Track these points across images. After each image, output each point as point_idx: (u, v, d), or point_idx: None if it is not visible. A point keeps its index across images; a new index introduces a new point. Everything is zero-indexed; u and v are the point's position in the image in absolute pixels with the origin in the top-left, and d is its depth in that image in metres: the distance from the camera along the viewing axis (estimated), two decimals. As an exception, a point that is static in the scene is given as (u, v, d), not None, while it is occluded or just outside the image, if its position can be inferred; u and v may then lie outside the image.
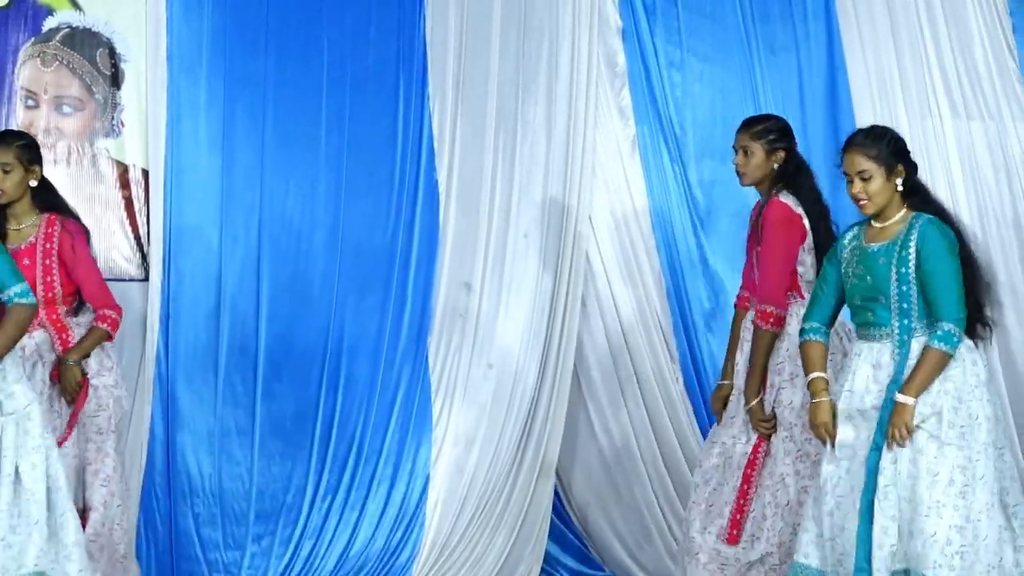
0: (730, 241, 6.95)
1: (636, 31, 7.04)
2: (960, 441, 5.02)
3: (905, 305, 5.11)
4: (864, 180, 5.14)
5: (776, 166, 5.79)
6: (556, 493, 7.00)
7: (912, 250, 5.09)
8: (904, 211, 5.19)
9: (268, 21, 6.72)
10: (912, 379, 5.03)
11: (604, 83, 7.01)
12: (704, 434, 6.88)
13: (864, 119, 6.95)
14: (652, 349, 6.98)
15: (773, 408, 5.70)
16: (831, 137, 6.95)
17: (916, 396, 5.01)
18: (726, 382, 5.90)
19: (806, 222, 5.73)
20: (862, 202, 5.16)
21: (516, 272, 6.85)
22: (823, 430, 5.20)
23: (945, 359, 5.03)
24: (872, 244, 5.19)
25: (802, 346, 5.36)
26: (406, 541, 6.69)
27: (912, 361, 5.08)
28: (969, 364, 5.11)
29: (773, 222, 5.70)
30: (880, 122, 6.86)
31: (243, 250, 6.70)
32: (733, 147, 5.86)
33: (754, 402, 5.71)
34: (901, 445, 5.01)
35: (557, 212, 6.85)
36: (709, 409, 6.82)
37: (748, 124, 5.90)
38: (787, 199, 5.73)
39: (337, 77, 6.76)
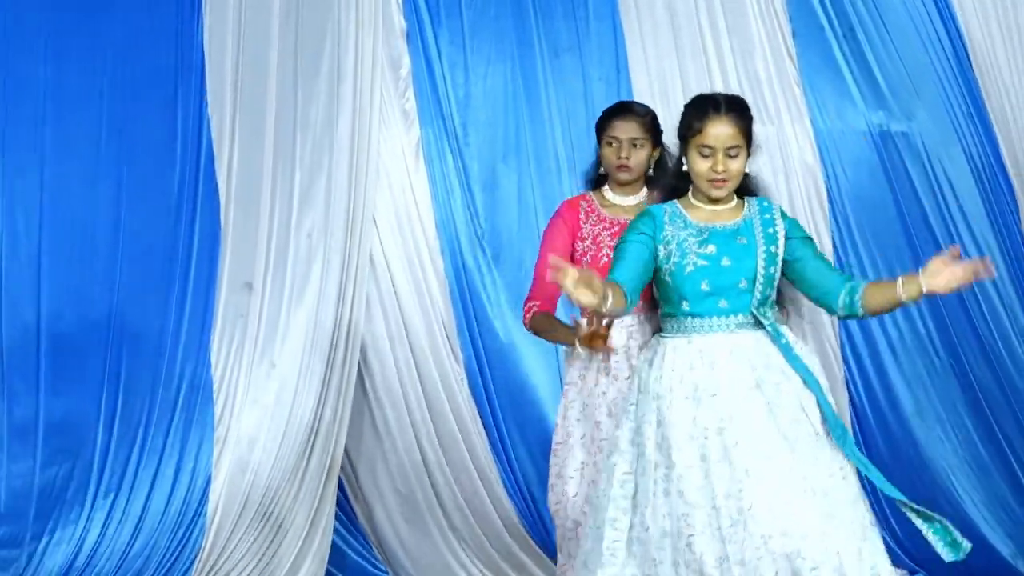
0: (514, 243, 7.01)
1: (420, 33, 7.02)
2: None
3: (769, 291, 4.51)
4: (731, 157, 4.45)
5: (652, 164, 5.31)
6: (343, 492, 7.04)
7: (779, 229, 4.52)
8: (735, 197, 4.59)
9: (47, 24, 6.65)
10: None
11: (388, 86, 7.01)
12: (488, 434, 6.96)
13: (646, 122, 6.98)
14: (436, 350, 7.01)
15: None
16: (615, 139, 6.98)
17: None
18: None
19: None
20: (719, 180, 4.46)
21: (299, 272, 6.84)
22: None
23: None
24: (716, 223, 4.53)
25: None
26: (187, 540, 6.68)
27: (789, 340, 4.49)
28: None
29: None
30: (663, 124, 6.93)
31: (25, 248, 6.66)
32: (613, 135, 5.22)
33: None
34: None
35: (341, 213, 6.84)
36: (492, 410, 6.94)
37: (638, 112, 5.30)
38: None
39: (117, 81, 6.71)
